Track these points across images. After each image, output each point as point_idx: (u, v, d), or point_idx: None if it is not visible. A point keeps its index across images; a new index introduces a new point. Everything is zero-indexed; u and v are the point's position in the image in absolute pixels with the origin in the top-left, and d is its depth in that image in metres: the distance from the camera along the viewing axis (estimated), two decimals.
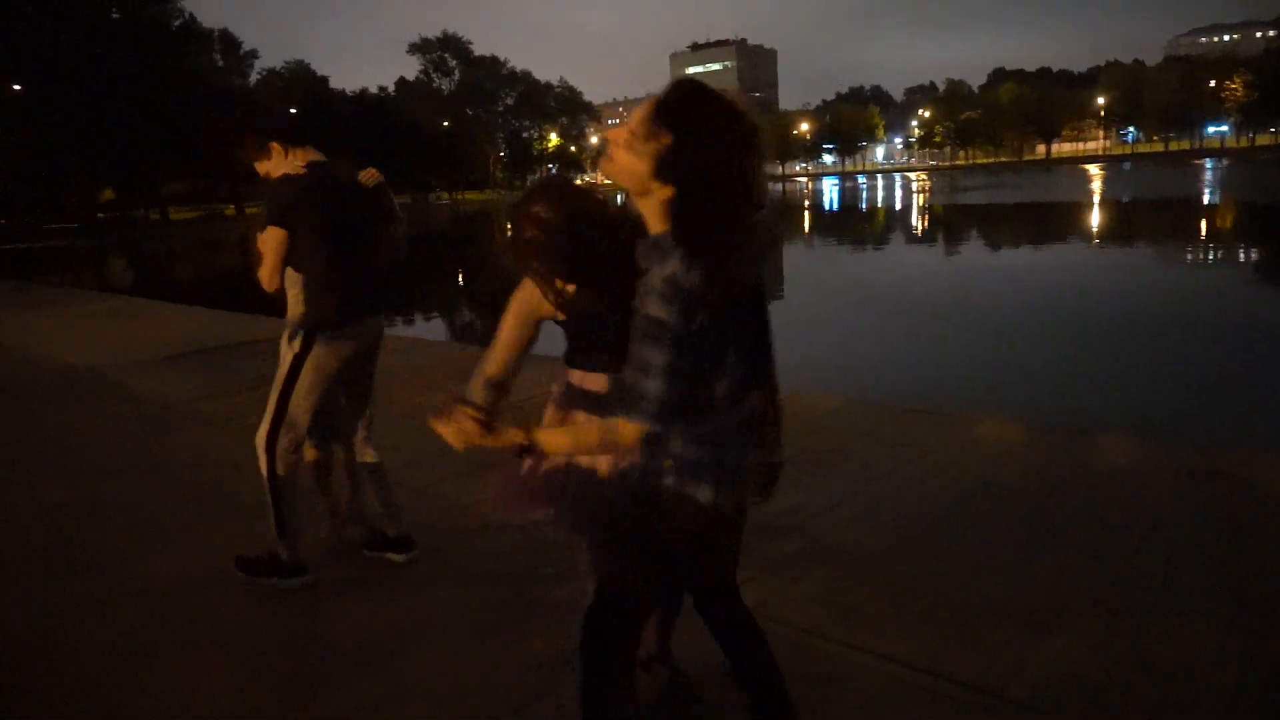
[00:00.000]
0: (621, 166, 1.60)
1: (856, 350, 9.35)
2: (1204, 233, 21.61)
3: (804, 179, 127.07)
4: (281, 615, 3.01)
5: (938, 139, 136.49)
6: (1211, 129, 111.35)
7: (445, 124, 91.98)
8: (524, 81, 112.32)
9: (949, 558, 3.18)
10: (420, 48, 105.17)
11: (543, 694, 2.42)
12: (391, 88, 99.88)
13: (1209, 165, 68.40)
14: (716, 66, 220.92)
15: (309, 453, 3.44)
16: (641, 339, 1.56)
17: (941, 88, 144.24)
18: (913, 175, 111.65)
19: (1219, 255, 16.72)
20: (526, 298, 1.97)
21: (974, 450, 4.36)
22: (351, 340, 3.19)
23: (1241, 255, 16.76)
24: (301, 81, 78.37)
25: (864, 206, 46.11)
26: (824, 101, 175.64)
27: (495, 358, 1.99)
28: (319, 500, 3.60)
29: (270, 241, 3.03)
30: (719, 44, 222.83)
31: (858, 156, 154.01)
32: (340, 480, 3.56)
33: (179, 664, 2.69)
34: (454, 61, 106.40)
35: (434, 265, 26.60)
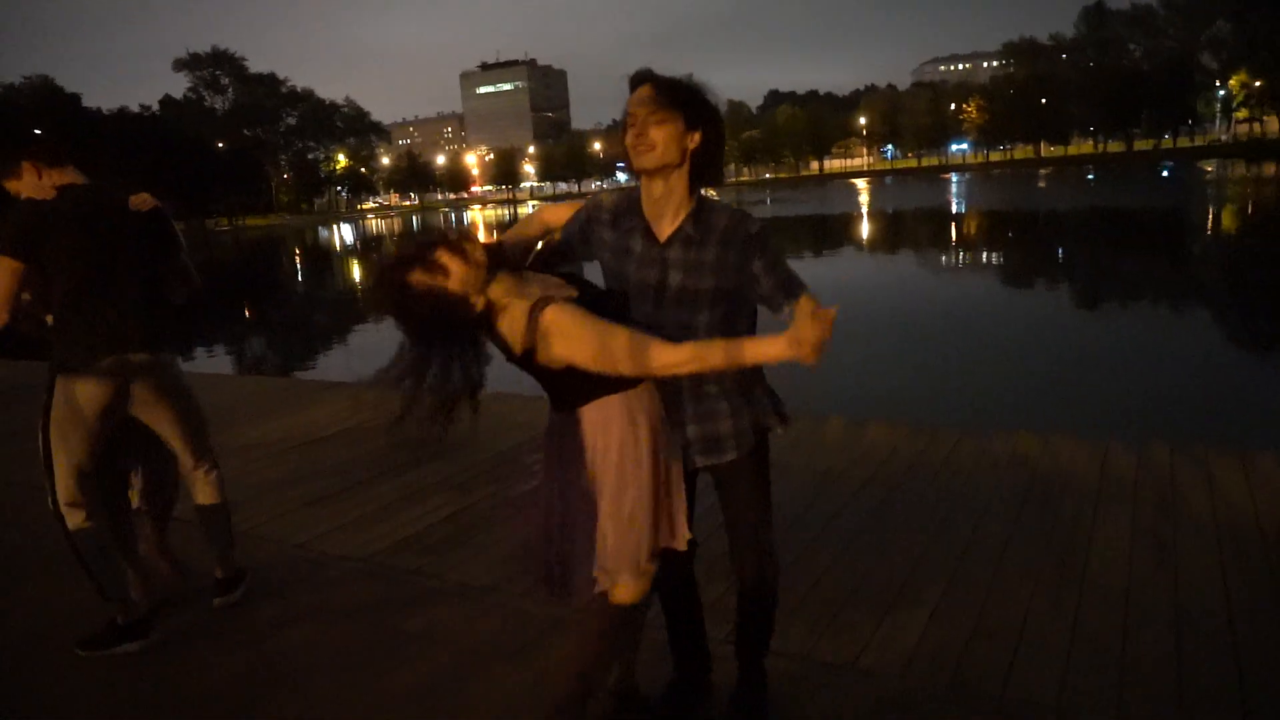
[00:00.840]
0: (664, 139, 1.92)
1: None
2: (963, 238, 24.46)
3: None
4: (147, 672, 2.92)
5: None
6: (954, 147, 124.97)
7: (220, 145, 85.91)
8: (307, 101, 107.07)
9: (803, 550, 3.44)
10: (188, 64, 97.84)
11: None
12: (156, 106, 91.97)
13: (954, 179, 76.88)
14: (508, 86, 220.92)
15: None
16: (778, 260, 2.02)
17: (724, 109, 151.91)
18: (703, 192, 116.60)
19: (980, 258, 19.02)
20: (570, 311, 1.86)
21: (806, 444, 4.61)
22: (107, 382, 2.91)
23: (1002, 258, 19.15)
24: (49, 98, 70.48)
25: None
26: (614, 121, 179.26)
27: (643, 346, 1.83)
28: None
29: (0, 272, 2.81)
30: (509, 64, 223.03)
31: None
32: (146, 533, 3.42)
33: None
34: (227, 79, 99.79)
35: (219, 298, 24.87)
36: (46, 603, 3.40)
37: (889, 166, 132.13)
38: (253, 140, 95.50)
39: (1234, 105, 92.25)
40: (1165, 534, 3.38)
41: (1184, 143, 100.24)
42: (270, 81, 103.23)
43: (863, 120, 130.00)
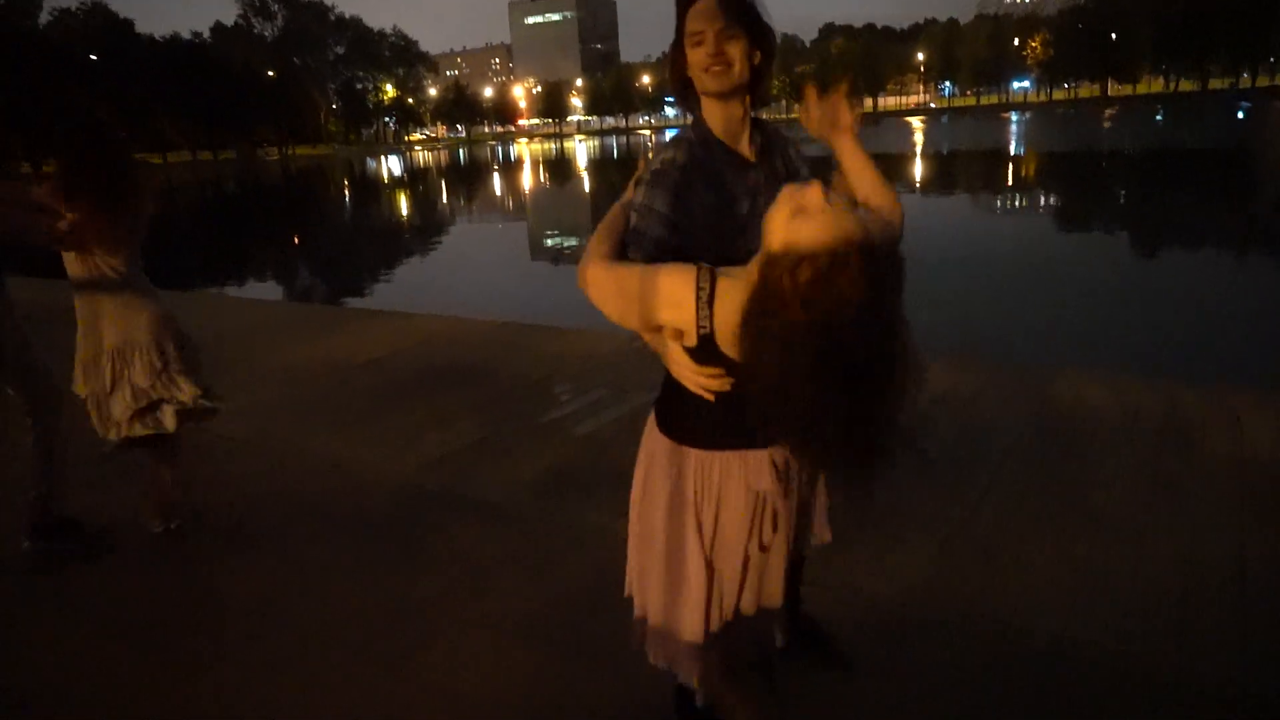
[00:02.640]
0: (740, 56, 1.75)
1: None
2: (1020, 181, 23.76)
3: (647, 131, 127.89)
4: (174, 579, 3.09)
5: (774, 91, 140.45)
6: (1016, 84, 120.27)
7: (270, 73, 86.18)
8: (354, 29, 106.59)
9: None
10: None
11: (432, 636, 2.64)
12: (207, 33, 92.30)
13: (1014, 118, 74.18)
14: (556, 17, 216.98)
15: None
16: None
17: (779, 39, 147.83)
18: None
19: (1036, 201, 18.49)
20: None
21: None
22: None
23: (1051, 200, 18.59)
24: (103, 25, 71.16)
25: None
26: (664, 54, 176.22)
27: None
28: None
29: None
30: None
31: None
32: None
33: (67, 638, 2.76)
34: (276, 5, 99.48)
35: (264, 226, 25.35)
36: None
37: (946, 105, 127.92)
38: (301, 69, 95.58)
39: None
40: (1185, 476, 3.35)
41: (1263, 81, 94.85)
42: (318, 8, 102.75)
43: (920, 55, 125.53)
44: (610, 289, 1.60)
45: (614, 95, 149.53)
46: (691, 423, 1.63)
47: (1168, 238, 13.25)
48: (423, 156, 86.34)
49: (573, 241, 17.41)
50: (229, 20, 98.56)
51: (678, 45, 1.82)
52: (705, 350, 1.50)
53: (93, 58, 66.53)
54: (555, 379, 5.11)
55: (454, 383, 5.16)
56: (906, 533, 3.05)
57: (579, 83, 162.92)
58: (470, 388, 5.06)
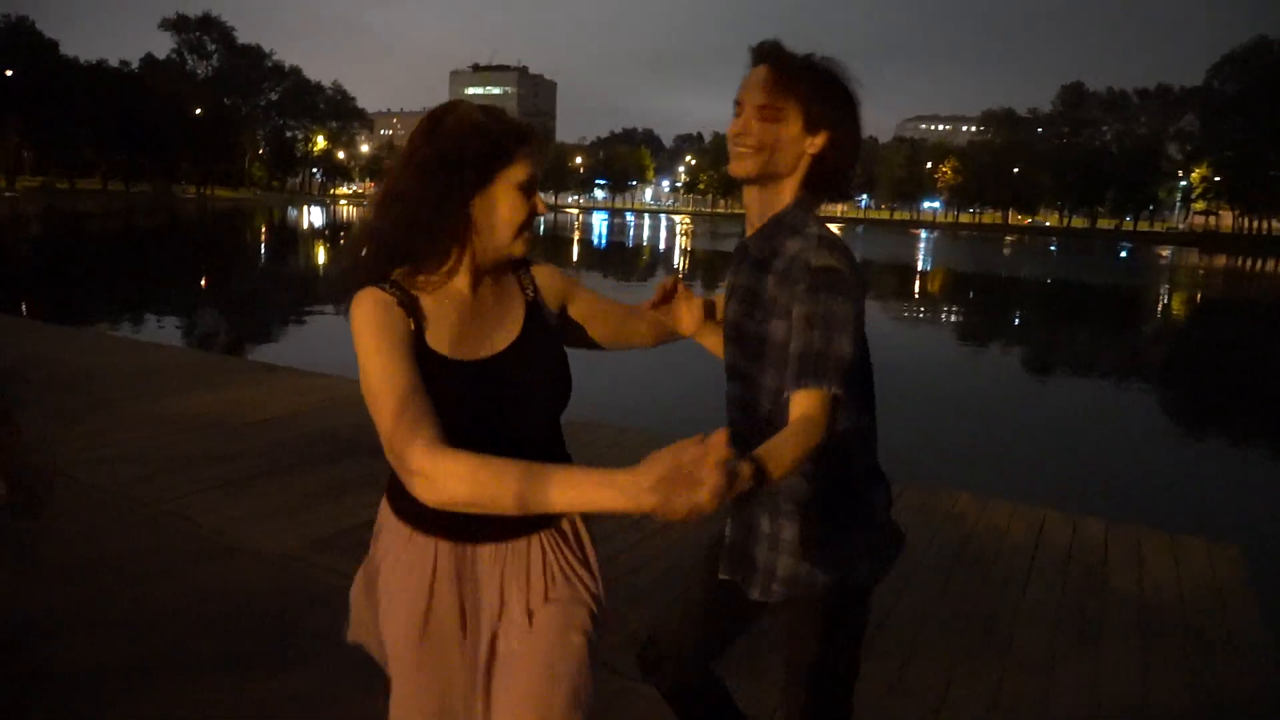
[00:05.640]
0: (773, 140, 1.44)
1: (610, 379, 9.78)
2: (926, 294, 24.89)
3: (575, 211, 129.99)
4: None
5: (701, 186, 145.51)
6: (926, 204, 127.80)
7: (198, 110, 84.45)
8: (292, 77, 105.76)
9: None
10: (175, 25, 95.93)
11: None
12: (136, 64, 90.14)
13: (923, 235, 78.58)
14: (497, 90, 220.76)
15: None
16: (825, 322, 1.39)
17: (708, 139, 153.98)
18: (677, 218, 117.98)
19: (939, 316, 19.34)
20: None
21: None
22: None
23: (961, 317, 19.47)
24: (26, 41, 68.82)
25: (630, 243, 47.93)
26: (599, 138, 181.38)
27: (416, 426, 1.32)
28: None
29: None
30: (501, 68, 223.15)
31: (628, 195, 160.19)
32: None
33: None
34: (214, 45, 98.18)
35: (172, 265, 24.39)
36: None
37: (862, 215, 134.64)
38: (231, 110, 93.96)
39: (1193, 196, 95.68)
40: (1092, 610, 3.39)
41: (1144, 226, 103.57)
42: (257, 53, 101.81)
43: None
44: None
45: (547, 172, 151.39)
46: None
47: (1059, 367, 13.98)
48: (348, 211, 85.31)
49: None
50: (162, 54, 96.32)
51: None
52: None
53: (8, 73, 64.17)
54: None
55: (355, 451, 4.91)
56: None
57: None
58: (368, 455, 4.82)
